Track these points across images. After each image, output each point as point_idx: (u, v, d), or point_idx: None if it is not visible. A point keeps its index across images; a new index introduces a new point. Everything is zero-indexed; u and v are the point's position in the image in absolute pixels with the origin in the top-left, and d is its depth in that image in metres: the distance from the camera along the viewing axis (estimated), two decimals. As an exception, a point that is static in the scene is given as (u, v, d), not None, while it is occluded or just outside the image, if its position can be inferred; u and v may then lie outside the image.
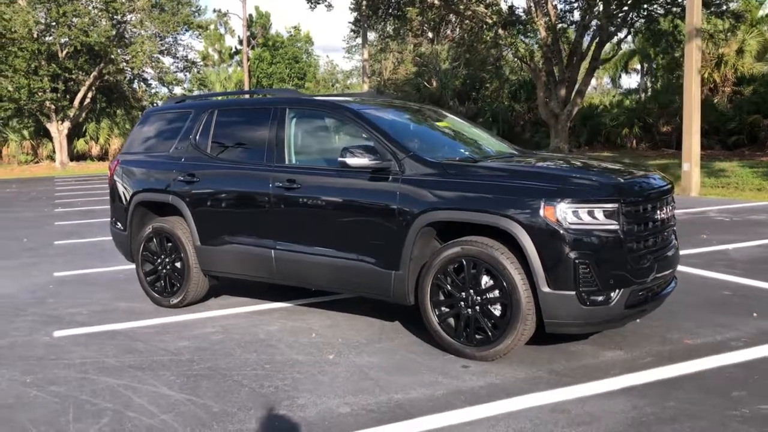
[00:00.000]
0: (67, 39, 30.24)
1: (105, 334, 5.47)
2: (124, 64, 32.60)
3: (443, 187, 4.64)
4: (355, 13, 27.96)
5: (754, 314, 5.40)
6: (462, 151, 5.65)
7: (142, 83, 36.64)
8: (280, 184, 5.34)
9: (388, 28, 30.36)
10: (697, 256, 7.67)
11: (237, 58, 46.53)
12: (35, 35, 30.24)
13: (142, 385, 4.33)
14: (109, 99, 36.06)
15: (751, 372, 4.23)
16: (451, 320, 4.66)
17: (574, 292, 4.22)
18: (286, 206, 5.35)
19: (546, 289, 4.27)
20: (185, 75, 36.16)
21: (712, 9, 23.49)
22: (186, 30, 33.82)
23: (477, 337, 4.55)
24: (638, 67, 39.61)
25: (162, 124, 6.52)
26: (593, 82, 49.02)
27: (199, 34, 35.79)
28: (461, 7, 25.50)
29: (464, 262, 4.53)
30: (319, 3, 25.89)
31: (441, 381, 4.25)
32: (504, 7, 26.60)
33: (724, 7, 23.97)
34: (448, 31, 33.76)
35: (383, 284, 4.92)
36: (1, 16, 28.81)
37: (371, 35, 36.80)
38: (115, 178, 6.65)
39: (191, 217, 5.89)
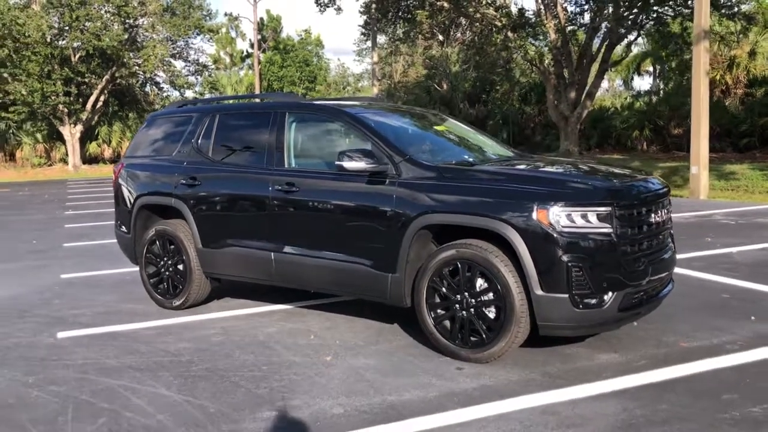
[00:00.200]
0: (80, 43, 30.55)
1: (107, 336, 5.55)
2: (137, 67, 32.88)
3: (439, 190, 4.69)
4: (365, 17, 28.07)
5: (752, 317, 5.40)
6: (459, 154, 5.69)
7: (154, 87, 36.96)
8: (279, 188, 5.41)
9: (398, 31, 30.45)
10: (700, 259, 7.67)
11: (248, 61, 46.74)
12: (48, 39, 30.57)
13: (141, 386, 4.40)
14: (122, 102, 36.36)
15: (744, 375, 4.24)
16: (447, 322, 4.69)
17: (567, 295, 4.25)
18: (285, 209, 5.42)
19: (539, 291, 4.30)
20: (197, 78, 36.45)
21: (724, 11, 23.41)
22: (197, 34, 34.07)
23: (472, 339, 4.58)
24: (651, 69, 39.46)
25: (165, 128, 6.61)
26: (605, 84, 48.92)
27: (210, 38, 36.05)
28: (471, 9, 25.53)
29: (459, 265, 4.57)
30: (328, 6, 26.01)
31: (435, 383, 4.29)
32: (514, 9, 26.64)
33: (736, 9, 23.87)
34: (458, 34, 33.78)
35: (380, 287, 4.97)
36: (16, 21, 29.13)
37: (381, 38, 36.93)
38: (120, 181, 6.74)
39: (193, 220, 5.96)
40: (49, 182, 26.73)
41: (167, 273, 6.23)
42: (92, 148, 35.80)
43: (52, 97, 30.67)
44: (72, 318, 6.12)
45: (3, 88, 30.51)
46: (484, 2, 25.99)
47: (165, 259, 6.23)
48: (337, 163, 4.95)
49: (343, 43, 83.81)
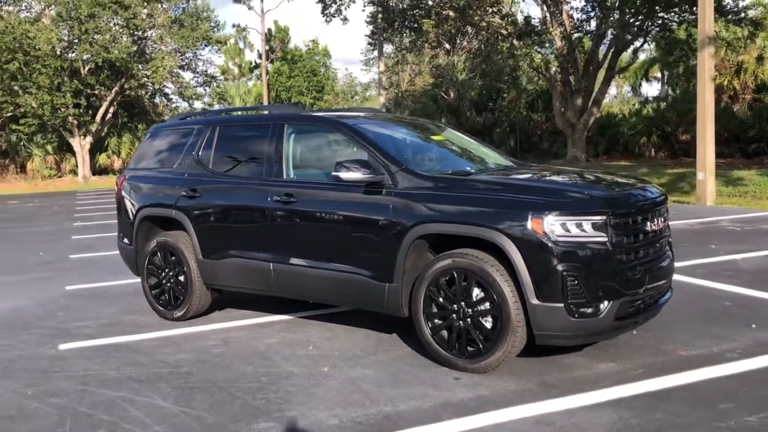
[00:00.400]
0: (89, 55, 30.80)
1: (109, 347, 5.58)
2: (145, 79, 33.12)
3: (434, 200, 4.71)
4: (371, 27, 28.20)
5: (753, 325, 5.38)
6: (456, 164, 5.71)
7: (163, 98, 37.23)
8: (278, 198, 5.44)
9: (404, 41, 30.58)
10: (703, 266, 7.65)
11: (257, 71, 46.98)
12: (58, 52, 30.85)
13: (140, 397, 4.43)
14: (131, 114, 36.62)
15: (742, 384, 4.23)
16: (444, 332, 4.70)
17: (562, 304, 4.25)
18: (283, 220, 5.45)
19: (535, 301, 4.31)
20: (205, 89, 36.67)
21: (730, 17, 23.38)
22: (205, 45, 34.30)
23: (469, 349, 4.59)
24: (659, 75, 39.35)
25: (167, 140, 6.66)
26: (613, 90, 48.87)
27: (218, 49, 36.30)
28: (476, 18, 25.61)
29: (455, 275, 4.58)
30: (334, 17, 26.16)
31: (431, 393, 4.30)
32: (520, 18, 26.70)
33: (743, 15, 23.85)
34: (465, 43, 33.89)
35: (377, 296, 4.99)
36: (26, 35, 29.43)
37: (389, 48, 37.05)
38: (122, 193, 6.80)
39: (193, 231, 6.00)
40: (58, 194, 26.92)
41: (168, 284, 6.27)
42: (102, 159, 36.02)
43: (62, 109, 30.92)
44: (75, 330, 6.17)
45: (14, 101, 30.78)
46: (489, 11, 26.10)
47: (166, 270, 6.28)
48: (333, 173, 4.98)
49: (351, 53, 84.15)
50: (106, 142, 35.92)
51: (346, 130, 5.40)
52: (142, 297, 6.68)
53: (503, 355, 4.45)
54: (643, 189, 4.90)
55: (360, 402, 4.20)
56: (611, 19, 24.23)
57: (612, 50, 25.41)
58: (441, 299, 4.67)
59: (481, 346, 4.52)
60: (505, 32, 25.08)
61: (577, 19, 26.66)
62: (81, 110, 31.87)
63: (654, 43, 26.76)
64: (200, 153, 6.20)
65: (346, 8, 26.37)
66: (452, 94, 35.63)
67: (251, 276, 5.73)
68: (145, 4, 32.09)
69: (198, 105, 35.97)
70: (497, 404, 4.07)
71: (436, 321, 4.73)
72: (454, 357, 4.64)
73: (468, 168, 5.56)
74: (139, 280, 6.79)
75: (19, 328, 6.30)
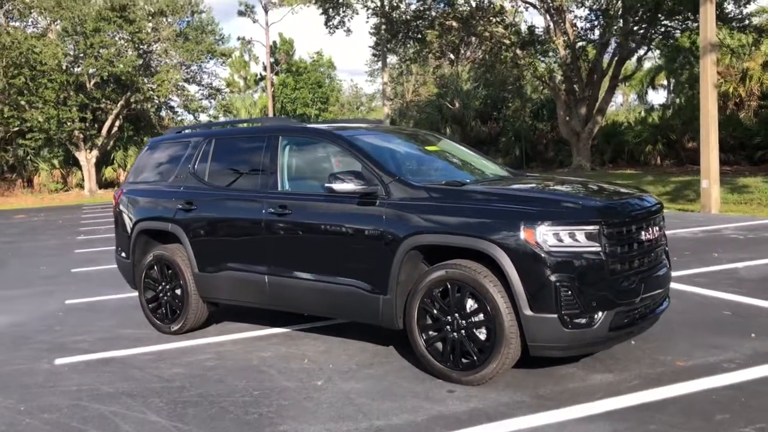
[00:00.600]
0: (95, 70, 30.99)
1: (104, 362, 5.57)
2: (151, 92, 33.28)
3: (427, 210, 4.68)
4: (375, 38, 28.28)
5: (752, 335, 5.31)
6: (451, 174, 5.67)
7: (168, 111, 37.38)
8: (273, 211, 5.43)
9: (409, 51, 30.66)
10: (703, 275, 7.58)
11: (262, 84, 47.15)
12: (64, 67, 31.05)
13: (131, 412, 4.41)
14: (137, 127, 36.79)
15: (739, 394, 4.17)
16: (439, 344, 4.66)
17: (556, 315, 4.21)
18: (278, 232, 5.43)
19: (528, 312, 4.27)
20: (210, 102, 36.81)
21: (735, 24, 23.34)
22: (210, 58, 34.46)
23: (463, 361, 4.55)
24: (665, 83, 39.26)
25: (164, 154, 6.67)
26: (620, 99, 48.83)
27: (223, 62, 36.46)
28: (479, 28, 25.66)
29: (449, 286, 4.55)
30: (337, 28, 26.25)
31: (424, 406, 4.25)
32: (523, 27, 26.75)
33: (747, 22, 23.80)
34: (469, 53, 33.92)
35: (372, 309, 4.95)
36: (32, 50, 29.65)
37: (393, 58, 37.12)
38: (120, 207, 6.80)
39: (189, 245, 5.99)
40: (64, 207, 27.03)
41: (165, 298, 6.26)
42: (108, 172, 36.18)
43: (68, 123, 31.11)
44: (71, 344, 6.16)
45: (20, 116, 30.98)
46: (493, 21, 26.16)
47: (163, 283, 6.26)
48: (326, 185, 4.97)
49: (356, 64, 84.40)
50: (112, 156, 36.09)
51: (339, 142, 5.39)
52: (141, 311, 6.66)
53: (498, 366, 4.40)
54: (637, 198, 4.87)
55: (352, 416, 4.17)
56: (615, 27, 24.23)
57: (616, 59, 25.39)
58: (435, 311, 4.64)
59: (475, 358, 4.48)
60: (508, 42, 25.11)
61: (581, 28, 26.68)
62: (87, 124, 32.07)
63: (657, 50, 26.69)
64: (196, 166, 6.20)
65: (349, 20, 26.54)
66: (457, 104, 35.69)
67: (247, 289, 5.71)
68: (150, 18, 32.32)
69: (203, 118, 36.14)
70: (490, 417, 4.03)
71: (430, 333, 4.69)
72: (449, 369, 4.60)
73: (462, 178, 5.51)
74: (136, 293, 6.78)
75: (16, 343, 6.29)
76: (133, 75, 31.40)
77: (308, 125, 5.96)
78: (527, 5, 26.54)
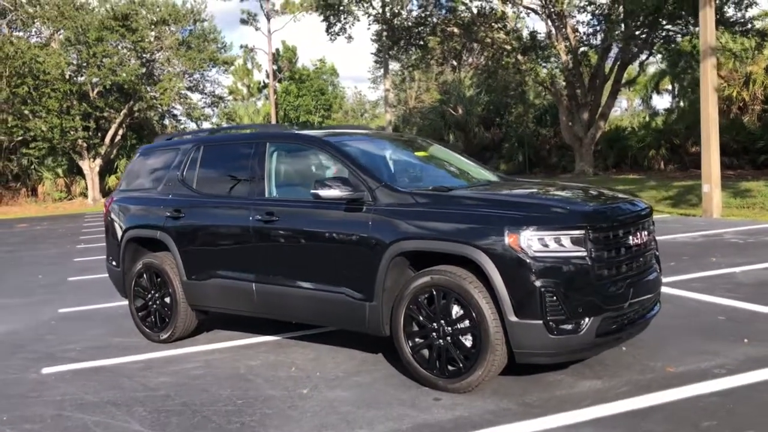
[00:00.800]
0: (98, 79, 31.10)
1: (92, 371, 5.53)
2: (154, 101, 33.37)
3: (412, 216, 4.63)
4: (377, 44, 28.30)
5: (745, 340, 5.24)
6: (439, 180, 5.62)
7: (171, 119, 37.46)
8: (260, 217, 5.39)
9: (412, 57, 30.68)
10: (700, 279, 7.51)
11: (265, 91, 47.23)
12: (67, 76, 31.16)
13: (114, 422, 4.36)
14: (140, 135, 36.86)
15: (727, 401, 4.10)
16: (425, 351, 4.61)
17: (541, 321, 4.16)
18: (265, 239, 5.39)
19: (513, 318, 4.21)
20: (213, 110, 36.89)
21: (737, 28, 23.27)
22: (212, 66, 34.54)
23: (449, 368, 4.49)
24: (670, 87, 39.13)
25: (154, 161, 6.64)
26: (624, 103, 48.71)
27: (225, 70, 36.56)
28: (481, 35, 25.65)
29: (434, 292, 4.50)
30: (339, 35, 26.27)
31: (409, 414, 4.20)
32: (525, 33, 26.73)
33: (749, 26, 23.72)
34: (471, 59, 33.93)
35: (358, 316, 4.91)
36: (35, 59, 29.78)
37: (396, 65, 37.16)
38: (111, 215, 6.78)
39: (177, 252, 5.96)
40: (67, 216, 27.07)
41: (154, 306, 6.22)
42: (111, 181, 36.19)
43: (71, 132, 31.20)
44: (61, 353, 6.12)
45: (24, 125, 31.10)
46: (495, 27, 26.16)
47: (152, 292, 6.23)
48: (312, 191, 4.92)
49: (359, 71, 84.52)
50: (115, 164, 36.15)
51: (327, 148, 5.35)
52: (132, 319, 6.62)
53: (483, 374, 4.35)
54: (625, 202, 4.81)
55: (336, 424, 4.11)
56: (616, 32, 24.18)
57: (618, 64, 25.33)
58: (421, 318, 4.58)
59: (461, 365, 4.42)
60: (509, 48, 25.08)
61: (583, 33, 26.65)
62: (90, 133, 32.16)
63: (659, 55, 26.60)
64: (185, 173, 6.17)
65: (350, 26, 26.55)
66: (460, 111, 35.66)
67: (234, 297, 5.67)
68: (153, 27, 32.44)
69: (206, 126, 36.17)
70: (475, 425, 3.97)
71: (416, 340, 4.63)
72: (435, 376, 4.54)
73: (451, 184, 5.47)
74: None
75: (5, 352, 6.26)
76: (135, 83, 31.49)
77: (295, 131, 5.92)
78: (529, 11, 26.53)
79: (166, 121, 37.72)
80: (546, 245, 4.20)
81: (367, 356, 5.45)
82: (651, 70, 35.92)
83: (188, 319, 6.09)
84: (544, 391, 4.46)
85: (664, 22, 22.89)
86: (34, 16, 31.79)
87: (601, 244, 4.32)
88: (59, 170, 35.55)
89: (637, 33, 23.56)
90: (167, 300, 6.12)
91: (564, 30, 25.31)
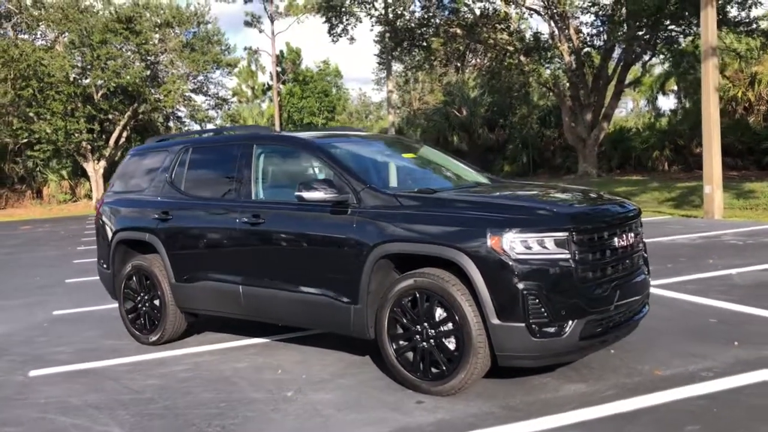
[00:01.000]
0: (102, 81, 31.19)
1: (79, 373, 5.51)
2: (158, 102, 33.44)
3: (397, 219, 4.60)
4: (380, 46, 28.26)
5: (735, 343, 5.18)
6: (426, 182, 5.60)
7: (176, 121, 37.54)
8: (246, 220, 5.37)
9: (416, 58, 30.63)
10: (695, 281, 7.44)
11: (269, 93, 47.30)
12: (71, 79, 31.26)
13: (96, 425, 4.34)
14: (144, 137, 36.84)
15: (712, 404, 4.05)
16: (409, 354, 4.57)
17: (523, 324, 4.11)
18: (251, 241, 5.37)
19: (495, 321, 4.17)
20: (217, 112, 36.93)
21: (742, 28, 23.15)
22: (216, 68, 34.59)
23: (433, 371, 4.45)
24: (675, 88, 38.93)
25: (144, 163, 6.62)
26: (630, 104, 48.51)
27: (229, 72, 36.61)
28: (484, 35, 25.59)
29: (417, 295, 4.46)
30: (341, 36, 26.24)
31: (391, 417, 4.16)
32: (528, 34, 26.66)
33: (754, 26, 23.60)
34: (476, 60, 33.85)
35: (343, 319, 4.88)
36: (40, 62, 29.90)
37: (399, 66, 37.10)
38: (102, 217, 6.76)
39: (166, 255, 5.94)
40: (71, 218, 27.16)
41: (144, 308, 6.21)
42: (116, 183, 36.27)
43: (76, 135, 31.31)
44: (50, 356, 6.11)
45: (29, 127, 31.23)
46: (498, 28, 26.10)
47: (142, 294, 6.21)
48: (296, 193, 4.89)
49: (364, 73, 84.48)
50: (120, 166, 36.19)
51: (312, 149, 5.32)
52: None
53: (466, 377, 4.30)
54: (611, 204, 4.77)
55: (317, 428, 4.08)
56: (619, 33, 24.08)
57: (621, 64, 25.23)
58: (405, 320, 4.55)
59: (444, 368, 4.38)
60: (512, 48, 25.02)
61: (587, 34, 26.55)
62: (94, 135, 32.27)
63: (661, 55, 26.47)
64: (173, 175, 6.16)
65: (352, 28, 26.48)
66: (464, 112, 35.60)
67: (222, 299, 5.65)
68: (157, 29, 32.52)
69: (210, 127, 36.22)
70: (456, 428, 3.94)
71: (400, 343, 4.60)
72: (419, 379, 4.51)
73: (438, 186, 5.43)
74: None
75: (-5, 355, 6.26)
76: (139, 86, 31.59)
77: (282, 133, 5.90)
78: (531, 12, 26.45)
79: (171, 123, 37.81)
80: (529, 247, 4.16)
81: (354, 359, 5.42)
82: (657, 70, 35.76)
83: (177, 321, 6.07)
84: (528, 394, 4.42)
85: (667, 23, 22.77)
86: (39, 19, 31.95)
87: (585, 246, 4.27)
88: (64, 172, 35.70)
89: (639, 34, 23.45)
90: (156, 302, 6.10)
91: (567, 31, 25.22)
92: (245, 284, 5.42)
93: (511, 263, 4.12)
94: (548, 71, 26.15)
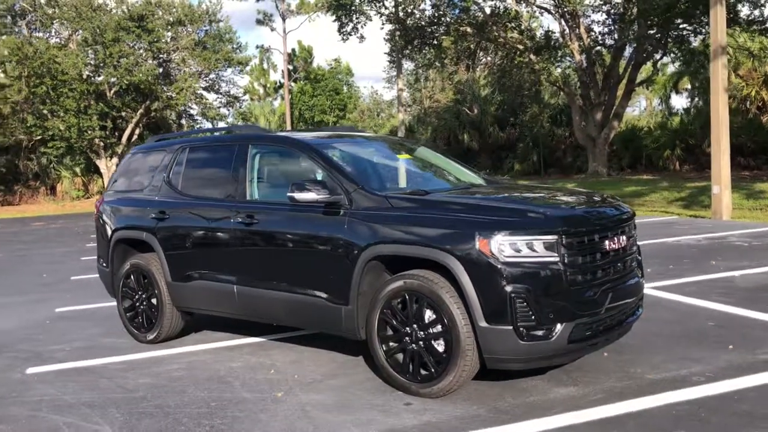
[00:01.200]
0: (114, 79, 31.41)
1: (75, 371, 5.56)
2: (170, 100, 33.62)
3: (387, 220, 4.60)
4: (390, 44, 28.23)
5: (730, 347, 5.15)
6: (421, 183, 5.60)
7: (188, 119, 37.73)
8: (240, 220, 5.39)
9: (427, 56, 30.58)
10: (696, 283, 7.39)
11: (281, 91, 47.42)
12: (84, 76, 31.49)
13: (86, 423, 4.38)
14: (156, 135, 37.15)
15: (700, 409, 4.02)
16: (399, 356, 4.57)
17: (511, 327, 4.11)
18: (245, 242, 5.39)
19: (483, 323, 4.17)
20: (228, 110, 37.07)
21: (755, 27, 22.95)
22: (227, 66, 34.72)
23: (422, 373, 4.46)
24: (689, 87, 38.63)
25: (143, 163, 6.66)
26: (643, 103, 48.17)
27: (240, 70, 36.73)
28: (494, 34, 25.51)
29: (407, 297, 4.47)
30: (351, 35, 26.23)
31: (377, 419, 4.17)
32: (540, 32, 26.55)
33: (767, 25, 23.39)
34: (487, 58, 33.75)
35: (335, 319, 4.89)
36: (54, 59, 30.16)
37: (410, 65, 37.05)
38: (101, 216, 6.81)
39: (163, 254, 5.97)
40: (83, 214, 27.32)
41: (142, 307, 6.25)
42: (128, 180, 36.50)
43: (89, 132, 31.55)
44: (48, 353, 6.16)
45: (42, 124, 31.51)
46: (509, 26, 26.01)
47: (139, 293, 6.26)
48: (288, 194, 4.91)
49: (376, 71, 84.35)
50: (132, 164, 36.41)
51: (306, 150, 5.33)
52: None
53: (454, 379, 4.30)
54: (604, 206, 4.74)
55: (303, 429, 4.10)
56: (632, 30, 23.93)
57: (632, 63, 25.07)
58: (394, 322, 4.55)
59: (433, 370, 4.39)
60: (522, 47, 24.93)
61: (598, 33, 26.40)
62: (107, 132, 32.50)
63: (671, 54, 26.27)
64: (171, 175, 6.19)
65: (362, 26, 26.47)
66: (475, 110, 35.50)
67: (217, 299, 5.68)
68: (169, 27, 32.68)
69: (221, 125, 36.39)
70: (441, 431, 3.93)
71: (390, 344, 4.61)
72: (408, 381, 4.51)
73: (431, 187, 5.42)
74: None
75: (-5, 352, 6.32)
76: (152, 83, 31.77)
77: (277, 133, 5.91)
78: (542, 10, 26.33)
79: (183, 121, 38.01)
80: (518, 250, 4.14)
81: (347, 359, 5.43)
82: (671, 69, 35.52)
83: (174, 320, 6.11)
84: (517, 397, 4.41)
85: (679, 21, 22.60)
86: (53, 17, 32.24)
87: (575, 249, 4.25)
88: (77, 169, 35.98)
89: (650, 32, 23.29)
90: (154, 301, 6.14)
91: (577, 30, 25.10)
92: (239, 284, 5.45)
93: (499, 266, 4.11)
94: (558, 70, 26.03)
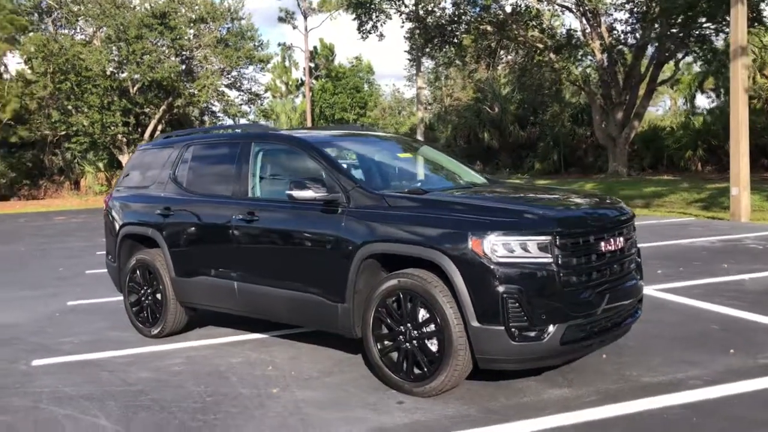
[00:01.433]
0: (137, 75, 31.74)
1: (79, 364, 5.64)
2: (193, 97, 33.89)
3: (382, 219, 4.62)
4: (410, 42, 28.22)
5: (731, 351, 5.09)
6: (417, 183, 5.60)
7: (210, 116, 38.01)
8: (242, 217, 5.44)
9: (448, 54, 30.51)
10: (704, 286, 7.31)
11: (303, 89, 47.61)
12: (108, 72, 31.86)
13: (84, 415, 4.45)
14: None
15: (692, 413, 3.99)
16: (393, 354, 4.59)
17: (503, 327, 4.10)
18: (246, 239, 5.43)
19: (475, 323, 4.17)
20: (250, 107, 37.29)
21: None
22: (248, 64, 34.90)
23: (415, 372, 4.47)
24: (714, 86, 38.10)
25: (151, 159, 6.74)
26: (668, 103, 47.61)
27: (262, 68, 36.90)
28: (514, 33, 25.39)
29: (401, 296, 4.48)
30: (370, 33, 26.26)
31: (369, 417, 4.19)
32: (562, 30, 26.37)
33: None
34: (509, 56, 33.58)
35: (331, 317, 4.92)
36: (78, 56, 30.56)
37: (431, 63, 36.98)
38: (111, 212, 6.90)
39: (167, 250, 6.04)
40: (104, 210, 27.61)
41: (147, 302, 6.33)
42: (150, 176, 36.86)
43: (112, 128, 31.88)
44: (55, 345, 6.26)
45: (67, 120, 31.95)
46: (530, 24, 25.87)
47: (145, 288, 6.34)
48: (287, 192, 4.95)
49: (398, 69, 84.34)
50: (154, 160, 36.75)
51: (307, 148, 5.36)
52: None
53: (447, 379, 4.31)
54: (601, 207, 4.72)
55: (294, 426, 4.13)
56: (654, 28, 23.68)
57: (653, 63, 24.82)
58: (389, 320, 4.57)
59: (425, 369, 4.40)
60: (542, 46, 24.78)
61: (620, 31, 26.16)
62: (130, 128, 32.81)
63: (693, 54, 25.94)
64: (176, 172, 6.26)
65: (382, 24, 26.48)
66: (496, 109, 35.36)
67: (218, 295, 5.73)
68: (191, 24, 32.93)
69: (243, 122, 36.60)
70: (429, 430, 3.95)
71: (384, 342, 4.62)
72: (401, 380, 4.53)
73: (431, 186, 5.43)
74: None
75: (3, 344, 6.42)
76: (174, 80, 32.04)
77: (279, 131, 5.94)
78: (563, 9, 26.15)
79: (205, 118, 38.30)
80: (511, 251, 4.14)
81: (345, 356, 5.46)
82: (695, 68, 35.06)
83: (178, 315, 6.18)
84: (510, 397, 4.40)
85: (702, 20, 22.32)
86: (78, 14, 32.63)
87: (569, 250, 4.24)
88: (100, 164, 36.42)
89: (672, 31, 23.03)
90: (158, 296, 6.21)
91: (599, 28, 24.90)
92: (240, 281, 5.49)
93: (491, 266, 4.11)
94: (579, 69, 25.84)
